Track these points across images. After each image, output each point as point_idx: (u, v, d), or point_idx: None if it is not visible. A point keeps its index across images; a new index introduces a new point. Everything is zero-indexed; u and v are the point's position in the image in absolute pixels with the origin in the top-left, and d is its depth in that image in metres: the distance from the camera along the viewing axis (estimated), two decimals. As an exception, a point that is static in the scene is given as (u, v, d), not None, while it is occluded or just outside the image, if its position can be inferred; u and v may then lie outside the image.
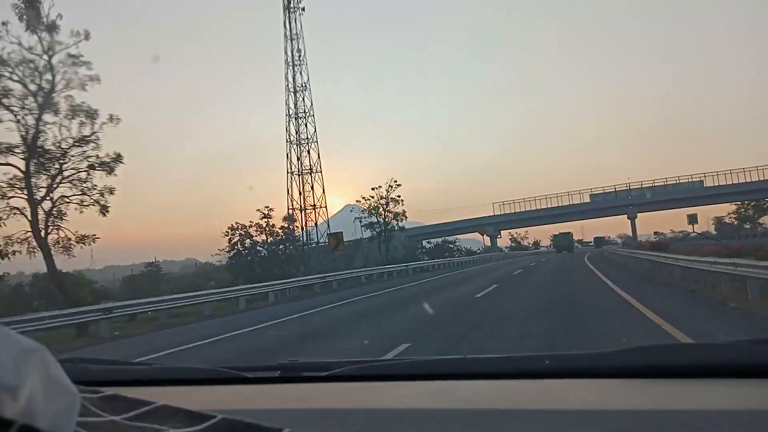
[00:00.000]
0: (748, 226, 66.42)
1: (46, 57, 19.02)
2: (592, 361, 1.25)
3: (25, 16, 18.97)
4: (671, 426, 0.87)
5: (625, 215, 69.62)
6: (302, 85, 45.34)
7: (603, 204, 70.55)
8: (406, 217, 47.76)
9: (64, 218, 19.59)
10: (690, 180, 68.38)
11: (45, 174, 19.21)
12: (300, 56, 44.97)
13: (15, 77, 18.75)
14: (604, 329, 8.49)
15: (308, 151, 45.19)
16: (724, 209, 74.17)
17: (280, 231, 36.89)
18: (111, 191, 20.02)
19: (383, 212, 47.04)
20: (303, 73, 45.26)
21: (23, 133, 18.72)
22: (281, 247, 36.68)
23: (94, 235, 20.13)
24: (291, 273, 32.27)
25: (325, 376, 1.34)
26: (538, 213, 72.12)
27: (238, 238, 35.03)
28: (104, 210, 19.85)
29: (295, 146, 45.25)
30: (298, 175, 45.34)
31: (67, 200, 19.62)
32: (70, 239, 19.57)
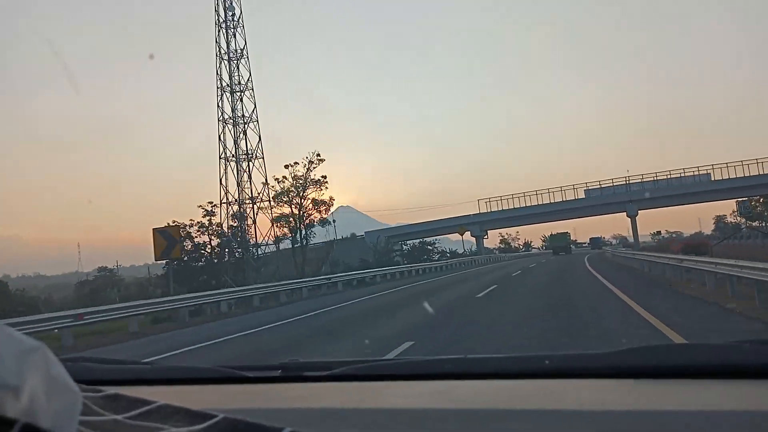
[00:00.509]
0: (757, 224, 59.65)
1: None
2: (591, 361, 1.25)
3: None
4: (671, 426, 0.87)
5: (624, 212, 62.26)
6: (238, 52, 37.46)
7: (599, 200, 63.04)
8: (330, 205, 37.88)
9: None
10: (696, 173, 61.10)
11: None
12: (234, 17, 37.35)
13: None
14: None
15: (244, 132, 37.14)
16: (728, 207, 67.62)
17: (228, 231, 32.76)
18: None
19: (299, 200, 36.49)
20: (239, 37, 37.69)
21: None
22: (227, 250, 32.28)
23: None
24: (226, 283, 28.57)
25: (326, 375, 1.34)
26: (527, 211, 64.88)
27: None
28: None
29: (230, 127, 37.65)
30: (235, 162, 37.36)
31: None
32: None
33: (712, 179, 59.46)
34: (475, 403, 1.07)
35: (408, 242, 56.25)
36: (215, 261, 31.80)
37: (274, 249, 37.95)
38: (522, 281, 21.23)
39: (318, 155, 36.40)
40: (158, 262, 25.65)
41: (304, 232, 36.86)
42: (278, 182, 36.71)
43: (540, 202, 64.43)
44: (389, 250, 49.15)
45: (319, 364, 1.43)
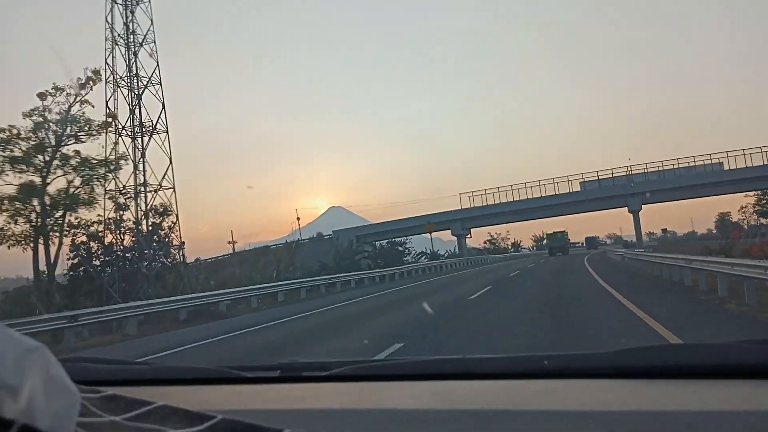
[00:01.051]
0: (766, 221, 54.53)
1: None
2: (591, 362, 1.25)
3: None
4: (671, 426, 0.87)
5: (625, 207, 54.38)
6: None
7: (597, 193, 54.97)
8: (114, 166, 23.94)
9: None
10: (707, 162, 53.15)
11: None
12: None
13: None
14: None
15: (134, 53, 28.15)
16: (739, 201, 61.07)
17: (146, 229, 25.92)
18: None
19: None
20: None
21: None
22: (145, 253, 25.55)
23: None
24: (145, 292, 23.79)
25: (324, 376, 1.34)
26: (515, 206, 56.65)
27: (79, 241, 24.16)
28: None
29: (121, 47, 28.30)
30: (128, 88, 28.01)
31: None
32: None
33: (727, 168, 52.34)
34: (474, 403, 1.07)
35: (380, 242, 48.69)
36: (107, 268, 25.28)
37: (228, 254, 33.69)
38: (510, 283, 20.47)
39: (94, 71, 22.61)
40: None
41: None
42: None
43: (530, 196, 57.18)
44: (355, 251, 42.42)
45: (317, 364, 1.43)
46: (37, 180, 20.82)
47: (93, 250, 25.56)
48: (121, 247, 26.24)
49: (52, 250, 21.60)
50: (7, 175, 20.18)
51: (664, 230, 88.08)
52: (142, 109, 28.81)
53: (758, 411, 0.90)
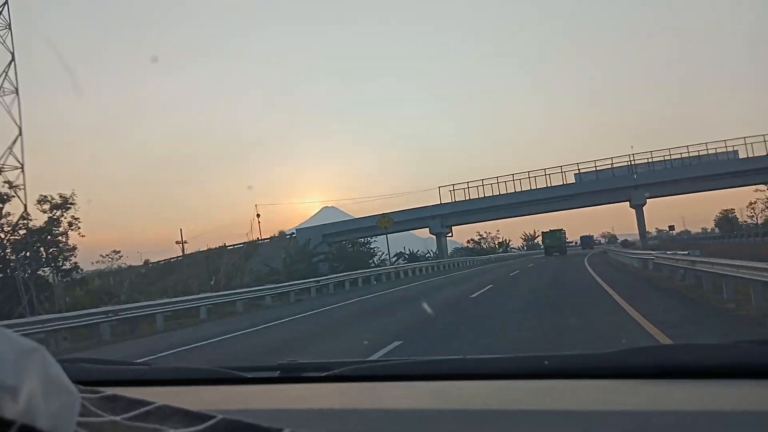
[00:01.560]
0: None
1: None
2: (591, 361, 1.25)
3: None
4: (671, 426, 0.87)
5: (627, 202, 48.03)
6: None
7: (595, 186, 48.32)
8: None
9: None
10: (719, 150, 46.76)
11: None
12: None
13: None
14: None
15: None
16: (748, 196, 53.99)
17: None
18: None
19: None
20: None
21: None
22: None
23: None
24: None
25: (324, 376, 1.35)
26: (501, 200, 49.80)
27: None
28: None
29: None
30: None
31: None
32: None
33: (743, 156, 46.05)
34: (474, 403, 1.07)
35: (343, 242, 42.93)
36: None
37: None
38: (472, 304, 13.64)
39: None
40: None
41: None
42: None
43: (518, 190, 50.14)
44: (311, 253, 36.80)
45: (317, 364, 1.43)
46: None
47: None
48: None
49: None
50: None
51: (671, 227, 74.76)
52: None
53: (758, 411, 0.90)
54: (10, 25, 24.58)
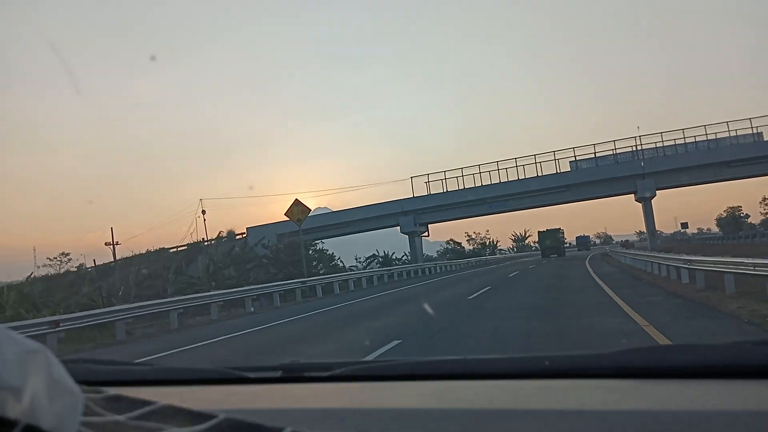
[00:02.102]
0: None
1: None
2: (592, 362, 1.25)
3: None
4: (671, 426, 0.87)
5: (632, 194, 39.99)
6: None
7: (594, 175, 40.05)
8: None
9: None
10: (740, 131, 38.11)
11: None
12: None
13: None
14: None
15: None
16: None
17: None
18: None
19: None
20: None
21: None
22: None
23: None
24: None
25: (326, 376, 1.35)
26: (483, 192, 41.59)
27: None
28: None
29: None
30: None
31: None
32: None
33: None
34: (475, 403, 1.07)
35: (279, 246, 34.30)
36: None
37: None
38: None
39: None
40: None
41: None
42: None
43: (504, 180, 41.84)
44: (244, 258, 31.98)
45: (319, 364, 1.44)
46: None
47: None
48: None
49: None
50: None
51: (684, 225, 59.53)
52: None
53: (758, 411, 0.90)
54: None
